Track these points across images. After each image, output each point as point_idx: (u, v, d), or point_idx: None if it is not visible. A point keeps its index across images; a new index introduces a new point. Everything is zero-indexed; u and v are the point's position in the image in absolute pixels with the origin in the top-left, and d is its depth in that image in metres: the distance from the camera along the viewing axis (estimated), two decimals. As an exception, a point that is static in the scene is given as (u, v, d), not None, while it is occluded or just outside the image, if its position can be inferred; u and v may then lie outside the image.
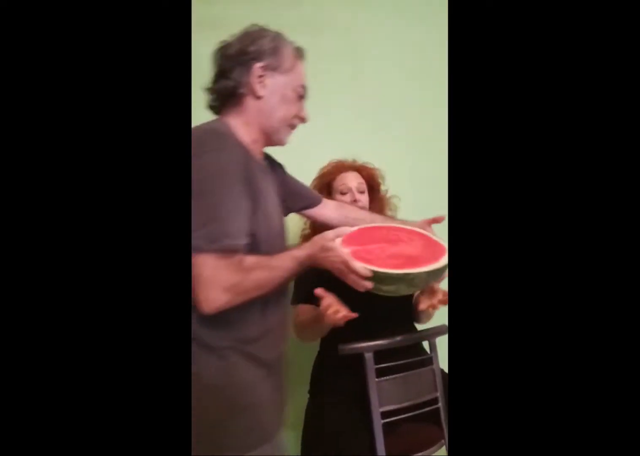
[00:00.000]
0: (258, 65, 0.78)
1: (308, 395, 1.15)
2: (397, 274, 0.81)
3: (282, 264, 0.74)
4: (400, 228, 1.03)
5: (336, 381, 1.06)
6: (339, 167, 1.28)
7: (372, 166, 1.33)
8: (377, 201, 1.30)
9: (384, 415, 0.96)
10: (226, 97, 0.81)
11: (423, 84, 1.62)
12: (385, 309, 1.08)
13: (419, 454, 1.00)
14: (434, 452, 1.03)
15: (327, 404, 1.05)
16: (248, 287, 0.71)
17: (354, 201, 1.21)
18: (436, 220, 1.02)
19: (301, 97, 0.84)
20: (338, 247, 0.76)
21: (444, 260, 0.88)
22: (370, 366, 0.95)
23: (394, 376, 0.98)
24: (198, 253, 0.67)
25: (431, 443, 1.02)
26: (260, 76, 0.78)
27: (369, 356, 0.96)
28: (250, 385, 0.73)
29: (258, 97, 0.79)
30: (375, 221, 1.04)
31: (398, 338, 0.99)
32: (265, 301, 0.76)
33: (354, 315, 0.84)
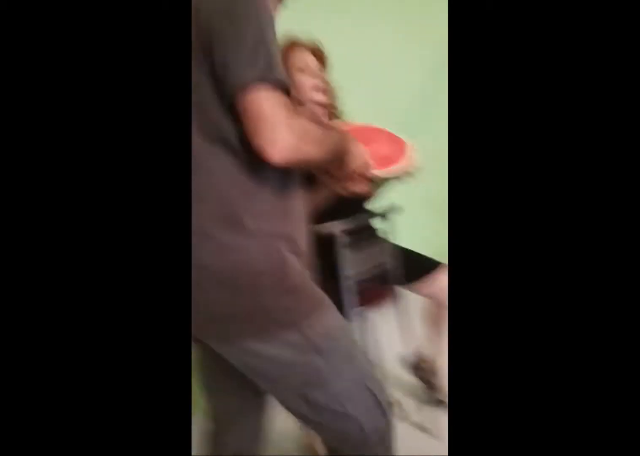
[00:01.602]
0: None
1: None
2: (388, 175, 1.01)
3: (333, 135, 0.71)
4: (363, 128, 1.17)
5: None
6: (294, 44, 1.25)
7: (323, 49, 1.30)
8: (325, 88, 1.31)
9: (349, 278, 1.19)
10: None
11: None
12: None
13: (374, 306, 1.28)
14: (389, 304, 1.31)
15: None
16: (311, 137, 0.63)
17: (315, 84, 1.24)
18: None
19: None
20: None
21: (408, 155, 1.09)
22: (341, 243, 1.14)
23: (356, 248, 1.18)
24: (255, 87, 0.58)
25: (387, 296, 1.31)
26: None
27: (340, 234, 1.14)
28: (293, 268, 0.70)
29: None
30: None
31: (363, 217, 1.18)
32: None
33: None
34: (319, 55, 1.29)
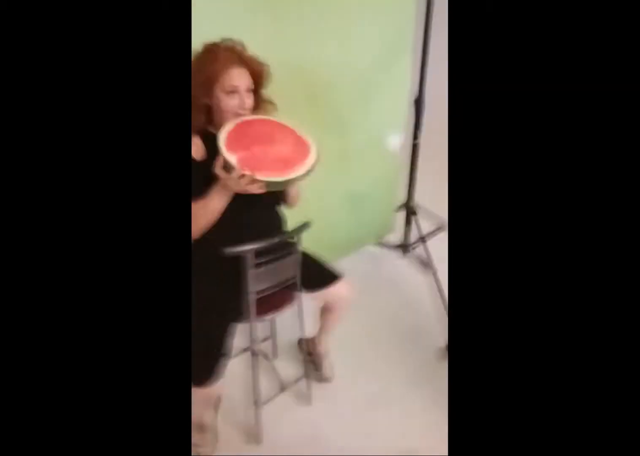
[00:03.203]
0: None
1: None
2: (284, 181, 1.11)
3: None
4: (269, 122, 1.19)
5: (215, 270, 1.28)
6: (227, 60, 1.15)
7: (260, 61, 1.22)
8: (257, 104, 1.26)
9: (258, 292, 1.26)
10: None
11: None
12: (261, 216, 1.29)
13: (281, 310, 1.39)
14: (290, 308, 1.42)
15: (208, 282, 1.28)
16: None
17: (242, 104, 1.18)
18: None
19: None
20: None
21: (311, 158, 1.14)
22: (250, 263, 1.19)
23: (266, 266, 1.24)
24: None
25: (290, 302, 1.42)
26: None
27: (249, 255, 1.18)
28: None
29: None
30: None
31: (274, 239, 1.22)
32: None
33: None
34: (254, 69, 1.20)
